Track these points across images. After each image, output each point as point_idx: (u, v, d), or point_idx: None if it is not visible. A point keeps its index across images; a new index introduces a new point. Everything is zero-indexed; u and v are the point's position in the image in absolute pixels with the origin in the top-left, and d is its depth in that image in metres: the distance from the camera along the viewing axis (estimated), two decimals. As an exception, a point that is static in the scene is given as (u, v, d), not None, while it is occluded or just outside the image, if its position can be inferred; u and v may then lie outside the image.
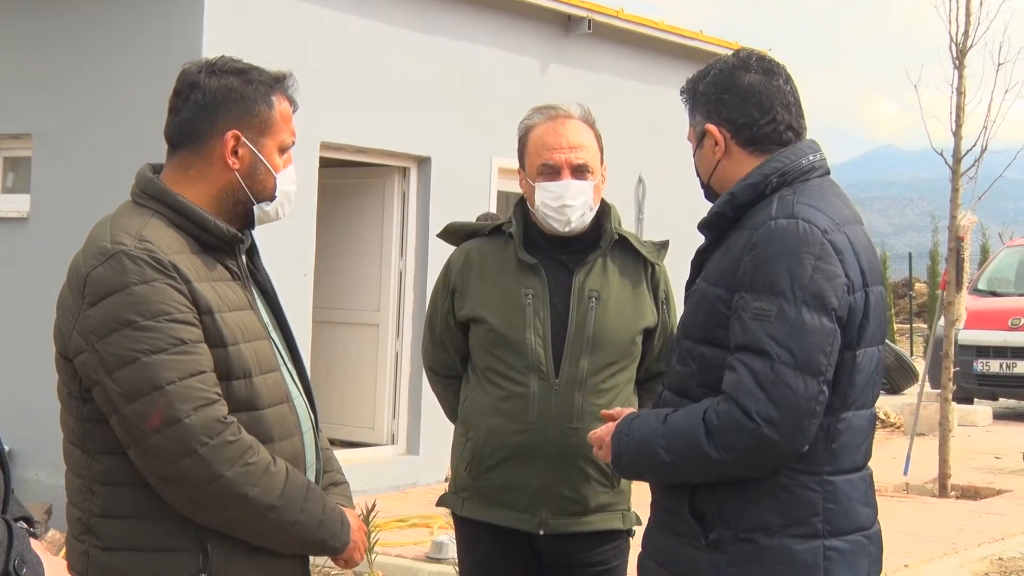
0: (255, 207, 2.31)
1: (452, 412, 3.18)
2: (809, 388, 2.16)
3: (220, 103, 2.26)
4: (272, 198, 2.32)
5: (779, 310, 2.17)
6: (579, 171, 2.96)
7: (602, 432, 2.43)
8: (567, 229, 2.98)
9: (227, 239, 2.28)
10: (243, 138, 2.26)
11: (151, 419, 2.09)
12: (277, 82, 2.33)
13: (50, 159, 7.72)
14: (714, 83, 2.40)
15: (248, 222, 2.34)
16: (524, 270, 3.00)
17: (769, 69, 2.40)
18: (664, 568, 2.36)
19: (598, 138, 3.04)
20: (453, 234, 3.19)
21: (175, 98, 2.31)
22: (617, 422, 2.39)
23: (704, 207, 2.48)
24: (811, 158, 2.35)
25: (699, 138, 2.43)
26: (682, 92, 2.49)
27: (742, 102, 2.36)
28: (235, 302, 2.25)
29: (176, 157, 2.31)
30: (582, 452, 2.89)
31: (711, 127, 2.38)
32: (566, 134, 2.98)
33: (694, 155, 2.47)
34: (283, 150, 2.33)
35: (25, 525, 1.67)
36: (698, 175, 2.48)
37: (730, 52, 2.50)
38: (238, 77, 2.29)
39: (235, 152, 2.27)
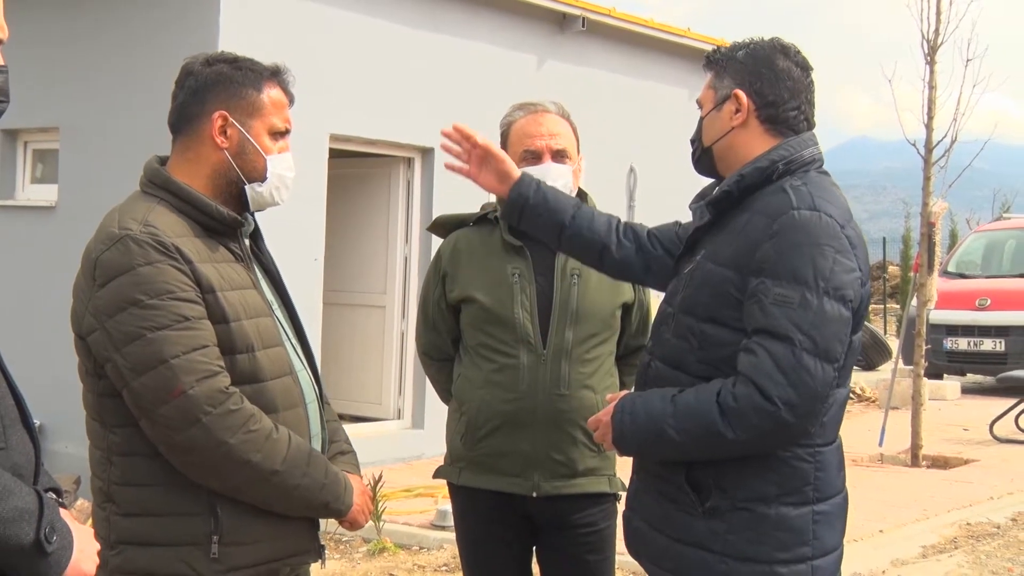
0: (247, 187, 2.30)
1: (446, 393, 3.19)
2: (826, 374, 2.14)
3: (210, 86, 2.28)
4: (263, 179, 2.30)
5: (802, 298, 2.13)
6: (559, 156, 3.00)
7: (600, 414, 2.39)
8: None
9: (228, 223, 2.28)
10: (230, 118, 2.27)
11: (172, 394, 2.09)
12: (269, 71, 2.34)
13: (76, 151, 7.70)
14: (753, 55, 2.34)
15: (244, 204, 2.32)
16: (510, 251, 3.02)
17: (804, 64, 2.37)
18: (656, 530, 2.34)
19: (574, 130, 3.08)
20: (441, 226, 3.22)
21: (175, 87, 2.33)
22: (615, 402, 2.34)
23: (691, 193, 2.45)
24: (811, 151, 2.33)
25: (720, 101, 2.35)
26: (711, 58, 2.40)
27: (777, 80, 2.31)
28: (237, 281, 2.25)
29: (177, 143, 2.33)
30: (570, 418, 2.92)
31: (740, 92, 2.32)
32: (545, 123, 3.03)
33: (704, 117, 2.39)
34: (274, 134, 2.32)
35: (54, 496, 1.67)
36: (698, 139, 2.40)
37: (716, 47, 2.45)
38: (229, 64, 2.31)
39: (224, 132, 2.27)
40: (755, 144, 2.31)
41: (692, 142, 2.43)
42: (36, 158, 8.25)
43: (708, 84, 2.40)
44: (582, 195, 3.08)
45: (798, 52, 2.38)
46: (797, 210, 2.19)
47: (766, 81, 2.31)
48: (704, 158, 2.40)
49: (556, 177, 2.97)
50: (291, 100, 2.37)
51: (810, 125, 2.36)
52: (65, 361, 6.82)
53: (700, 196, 2.42)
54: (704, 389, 2.20)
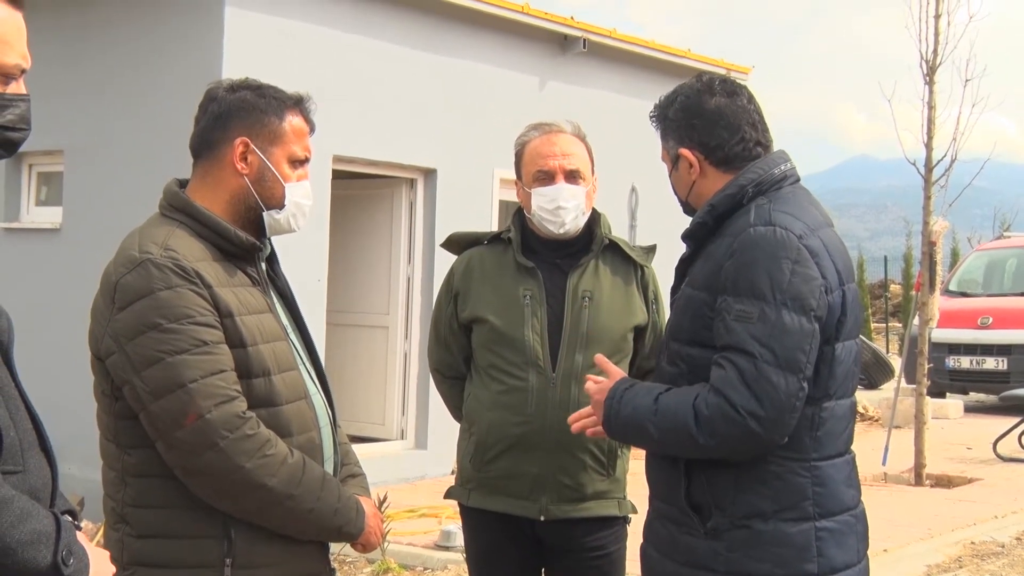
0: (265, 214, 2.31)
1: (456, 411, 3.19)
2: (790, 385, 2.17)
3: (233, 113, 2.29)
4: (281, 206, 2.32)
5: (761, 312, 2.18)
6: (572, 176, 3.00)
7: (594, 390, 2.43)
8: (562, 231, 3.00)
9: (246, 247, 2.30)
10: (252, 145, 2.28)
11: (188, 417, 2.10)
12: (293, 100, 2.35)
13: (80, 173, 7.74)
14: (683, 109, 2.40)
15: (261, 229, 2.34)
16: (522, 273, 3.02)
17: (732, 91, 2.40)
18: (665, 556, 2.37)
19: (588, 150, 3.08)
20: (455, 243, 3.21)
21: (198, 111, 2.35)
22: (611, 386, 2.40)
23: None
24: (783, 168, 2.37)
25: (674, 161, 2.43)
26: (651, 117, 2.48)
27: (711, 125, 2.36)
28: (254, 306, 2.26)
29: (198, 166, 2.35)
30: (578, 441, 2.91)
31: (685, 151, 2.39)
32: (559, 143, 3.02)
33: (670, 175, 2.47)
34: (294, 162, 2.34)
35: (70, 518, 1.67)
36: (675, 193, 2.49)
37: (696, 75, 2.49)
38: (253, 92, 2.33)
39: (244, 158, 2.29)
40: (719, 186, 2.37)
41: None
42: (41, 180, 8.29)
43: (661, 144, 2.48)
44: (596, 215, 3.09)
45: (723, 81, 2.43)
46: (753, 227, 2.25)
47: (702, 131, 2.37)
48: (687, 208, 2.49)
49: (568, 198, 2.97)
50: (312, 129, 2.38)
51: (765, 145, 2.40)
52: (70, 383, 6.78)
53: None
54: (685, 392, 2.26)
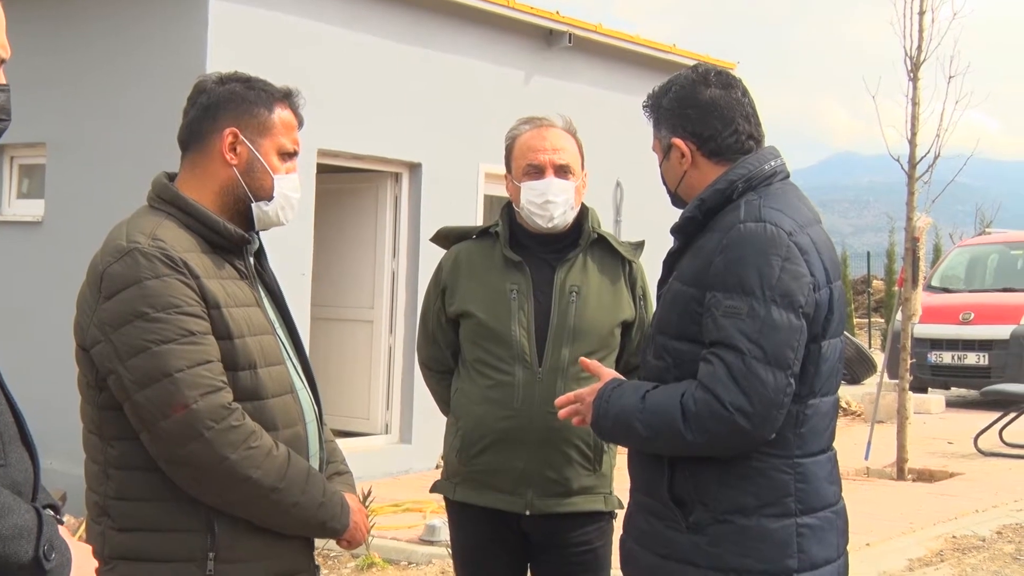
0: (253, 205, 2.31)
1: (445, 405, 3.18)
2: (778, 381, 2.17)
3: (222, 104, 2.29)
4: (270, 198, 2.32)
5: (750, 308, 2.18)
6: (561, 171, 2.99)
7: (584, 393, 2.43)
8: (550, 225, 2.99)
9: (234, 240, 2.29)
10: (241, 136, 2.28)
11: (175, 408, 2.09)
12: (281, 93, 2.36)
13: (63, 166, 7.69)
14: (677, 98, 2.39)
15: (249, 222, 2.34)
16: (509, 267, 3.01)
17: (727, 83, 2.40)
18: (646, 549, 2.37)
19: (579, 145, 3.07)
20: (444, 238, 3.21)
21: (187, 103, 2.35)
22: (600, 387, 2.40)
23: (677, 209, 2.49)
24: (773, 164, 2.37)
25: (665, 151, 2.43)
26: (645, 106, 2.48)
27: (705, 116, 2.36)
28: (242, 299, 2.26)
29: (186, 159, 2.34)
30: (564, 436, 2.91)
31: (677, 140, 2.38)
32: (549, 138, 3.01)
33: (661, 166, 2.47)
34: (283, 154, 2.34)
35: (52, 513, 1.66)
36: (665, 184, 2.49)
37: (692, 66, 2.49)
38: (243, 84, 2.33)
39: (233, 149, 2.28)
40: (710, 178, 2.37)
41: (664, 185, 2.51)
42: (22, 173, 8.24)
43: (653, 134, 2.47)
44: (585, 210, 3.09)
45: (719, 73, 2.43)
46: (743, 223, 2.25)
47: (696, 121, 2.37)
48: (677, 200, 2.48)
49: (557, 192, 2.97)
50: (300, 123, 2.39)
51: (757, 139, 2.40)
52: (51, 377, 6.74)
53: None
54: (672, 389, 2.26)
